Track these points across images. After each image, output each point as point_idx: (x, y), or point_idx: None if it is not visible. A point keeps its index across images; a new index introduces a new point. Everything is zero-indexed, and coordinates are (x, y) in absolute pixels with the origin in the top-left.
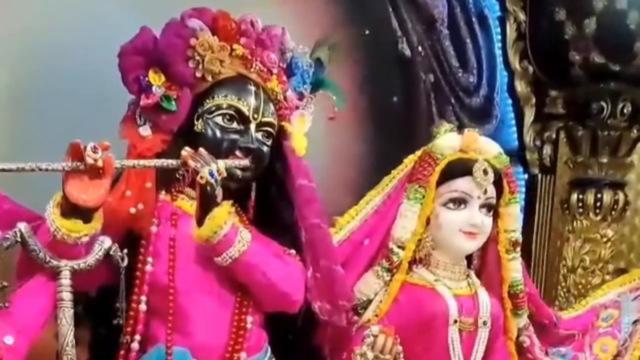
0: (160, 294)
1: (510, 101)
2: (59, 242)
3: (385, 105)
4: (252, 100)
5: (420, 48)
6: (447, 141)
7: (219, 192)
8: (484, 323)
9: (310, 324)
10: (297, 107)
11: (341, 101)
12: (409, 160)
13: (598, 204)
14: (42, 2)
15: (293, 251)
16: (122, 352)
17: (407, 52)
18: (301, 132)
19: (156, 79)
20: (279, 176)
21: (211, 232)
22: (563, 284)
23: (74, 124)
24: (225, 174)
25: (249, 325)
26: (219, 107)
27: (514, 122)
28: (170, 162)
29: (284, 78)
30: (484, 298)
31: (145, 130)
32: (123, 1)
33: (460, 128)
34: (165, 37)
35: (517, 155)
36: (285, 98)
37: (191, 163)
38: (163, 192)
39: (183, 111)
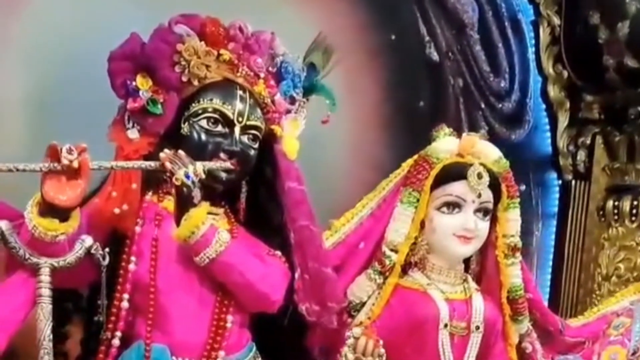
0: (142, 293)
1: (544, 106)
2: (37, 240)
3: (411, 110)
4: (237, 104)
5: (449, 53)
6: (444, 145)
7: (196, 193)
8: (477, 328)
9: (300, 325)
10: (288, 111)
11: (334, 105)
12: (407, 164)
13: (634, 211)
14: (65, 9)
15: (278, 252)
16: (102, 348)
17: (435, 57)
18: (293, 135)
19: (144, 84)
20: (268, 179)
21: (188, 232)
22: (597, 292)
23: (95, 129)
24: (203, 176)
25: (228, 325)
26: (204, 111)
27: (548, 127)
28: (149, 164)
29: (272, 82)
30: (478, 303)
31: (133, 133)
32: (146, 8)
33: (490, 133)
34: (152, 43)
35: (551, 161)
36: (273, 102)
37: (167, 165)
38: (150, 193)
39: (169, 114)
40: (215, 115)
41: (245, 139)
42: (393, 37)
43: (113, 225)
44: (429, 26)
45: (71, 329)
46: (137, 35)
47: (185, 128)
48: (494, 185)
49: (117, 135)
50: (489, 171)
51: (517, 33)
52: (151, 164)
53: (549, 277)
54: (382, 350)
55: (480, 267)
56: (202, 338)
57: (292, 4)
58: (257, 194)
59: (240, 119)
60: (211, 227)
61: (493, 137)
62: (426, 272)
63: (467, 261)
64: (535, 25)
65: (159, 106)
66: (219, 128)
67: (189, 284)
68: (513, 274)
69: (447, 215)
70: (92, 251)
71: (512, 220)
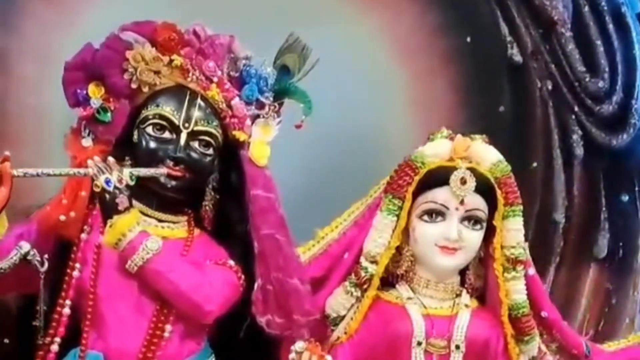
0: (85, 299)
1: None
2: None
3: (490, 116)
4: (183, 109)
5: (535, 53)
6: (432, 149)
7: (121, 200)
8: (457, 347)
9: (265, 338)
10: (257, 116)
11: (309, 109)
12: None
13: None
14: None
15: (231, 262)
16: (40, 353)
17: (518, 58)
18: (263, 141)
19: (95, 92)
20: (233, 186)
21: (115, 239)
22: None
23: None
24: (131, 183)
25: (166, 334)
26: (151, 117)
27: None
28: (77, 171)
29: (227, 86)
30: (462, 320)
31: (87, 142)
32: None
33: (586, 138)
34: (101, 51)
35: None
36: (230, 107)
37: (89, 171)
38: None
39: (119, 122)
40: (161, 122)
41: (196, 145)
42: (469, 39)
43: (57, 232)
44: (512, 25)
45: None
46: (90, 44)
47: (135, 135)
48: (486, 192)
49: (71, 143)
50: (480, 176)
51: (620, 28)
52: (79, 171)
53: None
54: None
55: (485, 282)
56: (137, 346)
57: (356, 9)
58: (223, 201)
59: (186, 125)
60: (140, 234)
61: (590, 142)
62: (413, 285)
63: (463, 274)
64: None
65: (109, 114)
66: (166, 134)
67: (129, 291)
68: (514, 289)
69: (428, 223)
70: (29, 257)
71: (511, 230)
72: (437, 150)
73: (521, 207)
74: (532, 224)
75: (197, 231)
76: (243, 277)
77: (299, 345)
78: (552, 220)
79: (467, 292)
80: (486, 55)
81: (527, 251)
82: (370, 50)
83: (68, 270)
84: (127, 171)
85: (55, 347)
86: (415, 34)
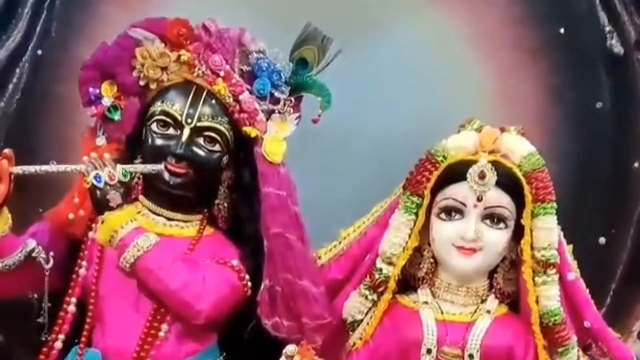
0: (89, 297)
1: None
2: None
3: (585, 113)
4: (186, 105)
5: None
6: (456, 141)
7: (112, 196)
8: (470, 356)
9: (274, 341)
10: (273, 111)
11: (328, 103)
12: None
13: None
14: None
15: (234, 262)
16: (44, 350)
17: (619, 50)
18: (277, 136)
19: (108, 91)
20: (245, 183)
21: (107, 236)
22: None
23: None
24: (123, 179)
25: (161, 334)
26: (156, 114)
27: None
28: (73, 168)
29: (235, 81)
30: (480, 328)
31: (101, 140)
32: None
33: None
34: (111, 49)
35: None
36: (238, 102)
37: (82, 167)
38: None
39: (128, 120)
40: (165, 118)
41: (201, 141)
42: (562, 30)
43: (67, 230)
44: (612, 14)
45: None
46: (105, 43)
47: (144, 132)
48: (513, 187)
49: (85, 143)
50: (505, 170)
51: None
52: (75, 168)
53: None
54: None
55: (517, 287)
56: (133, 345)
57: (441, 1)
58: (237, 200)
59: (189, 121)
60: (133, 231)
61: None
62: (434, 288)
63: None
64: None
65: (118, 113)
66: (170, 131)
67: (128, 290)
68: (545, 295)
69: (445, 222)
70: (34, 254)
71: (542, 229)
72: (461, 143)
73: (554, 205)
74: (633, 230)
75: (209, 230)
76: (248, 277)
77: (290, 349)
78: None
79: (496, 297)
80: (582, 47)
81: (570, 254)
82: (455, 44)
83: (76, 268)
84: (119, 168)
85: (58, 345)
86: (502, 27)
